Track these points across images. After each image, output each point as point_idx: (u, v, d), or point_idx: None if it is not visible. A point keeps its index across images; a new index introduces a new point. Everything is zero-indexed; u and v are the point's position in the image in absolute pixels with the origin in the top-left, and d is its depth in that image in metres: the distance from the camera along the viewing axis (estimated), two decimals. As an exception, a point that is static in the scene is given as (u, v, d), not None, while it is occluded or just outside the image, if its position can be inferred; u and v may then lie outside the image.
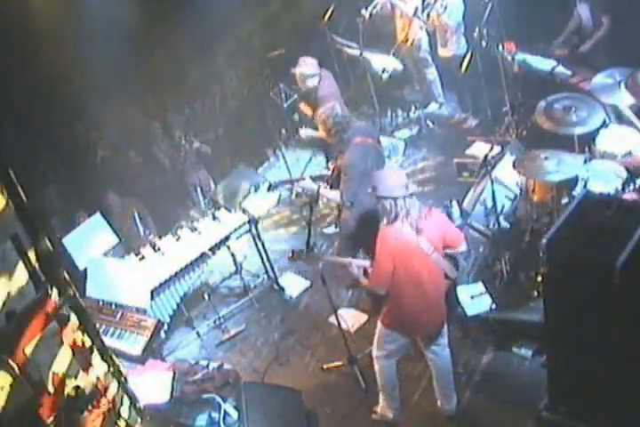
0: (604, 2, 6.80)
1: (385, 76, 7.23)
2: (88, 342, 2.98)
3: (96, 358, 3.05)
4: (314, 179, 5.82)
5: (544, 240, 3.51)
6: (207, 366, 5.19)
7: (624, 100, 5.66)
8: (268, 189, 6.09)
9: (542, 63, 6.78)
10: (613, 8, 6.75)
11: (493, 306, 5.20)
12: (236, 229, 5.89)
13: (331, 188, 5.35)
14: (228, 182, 7.26)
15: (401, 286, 4.19)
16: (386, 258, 4.12)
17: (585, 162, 5.36)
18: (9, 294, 2.49)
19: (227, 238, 5.85)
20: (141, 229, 6.27)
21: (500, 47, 6.72)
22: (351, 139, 5.18)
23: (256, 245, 6.16)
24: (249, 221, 5.94)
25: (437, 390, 4.72)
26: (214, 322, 5.96)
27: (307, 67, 6.63)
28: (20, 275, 2.57)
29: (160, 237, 5.96)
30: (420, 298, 4.23)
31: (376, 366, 4.65)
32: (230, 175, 7.43)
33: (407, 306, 4.27)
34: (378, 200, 4.15)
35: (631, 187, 5.22)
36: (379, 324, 4.49)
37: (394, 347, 4.50)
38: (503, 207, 5.77)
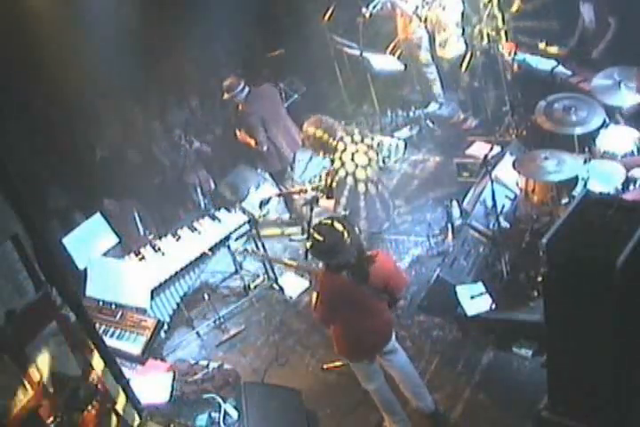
0: (610, 3, 6.78)
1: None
2: (88, 342, 2.98)
3: (96, 357, 3.05)
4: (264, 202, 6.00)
5: (544, 240, 3.50)
6: (207, 366, 5.20)
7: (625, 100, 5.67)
8: (260, 206, 6.13)
9: (542, 63, 6.77)
10: (620, 8, 6.72)
11: (493, 306, 5.20)
12: (236, 229, 5.89)
13: (327, 198, 5.33)
14: (228, 182, 7.27)
15: (347, 321, 4.26)
16: (325, 302, 4.20)
17: (585, 162, 5.36)
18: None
19: (227, 238, 5.85)
20: (141, 229, 6.27)
21: (500, 47, 6.72)
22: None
23: (256, 245, 6.16)
24: (249, 221, 5.95)
25: (407, 392, 4.72)
26: (214, 322, 5.96)
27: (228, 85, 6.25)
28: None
29: (160, 237, 5.96)
30: (368, 322, 4.28)
31: (372, 395, 4.67)
32: (230, 175, 7.44)
33: (362, 334, 4.31)
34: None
35: (631, 187, 5.22)
36: (350, 364, 4.56)
37: (371, 372, 4.52)
38: (503, 207, 5.76)
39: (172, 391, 4.78)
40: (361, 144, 5.18)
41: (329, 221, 4.05)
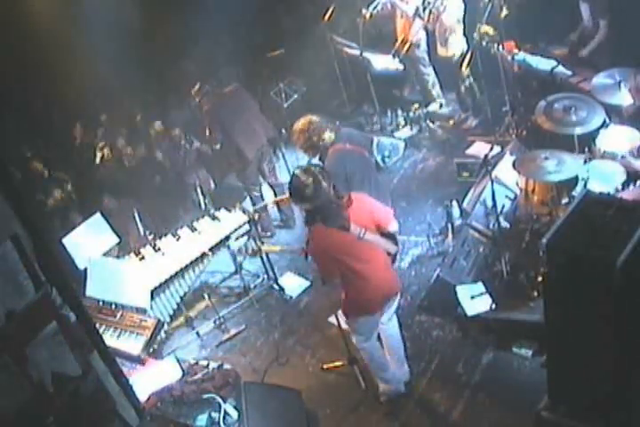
0: (602, 4, 6.80)
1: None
2: (88, 342, 2.97)
3: (96, 357, 3.05)
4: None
5: (544, 240, 3.50)
6: (207, 366, 5.19)
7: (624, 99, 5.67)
8: (255, 211, 6.17)
9: (542, 63, 6.77)
10: (614, 8, 6.74)
11: (493, 306, 5.20)
12: (236, 229, 5.89)
13: None
14: (228, 182, 7.28)
15: (349, 273, 4.31)
16: (321, 256, 4.28)
17: (585, 162, 5.36)
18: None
19: (227, 238, 5.85)
20: (141, 229, 6.27)
21: (500, 47, 6.72)
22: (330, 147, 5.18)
23: (256, 244, 6.16)
24: (249, 221, 5.95)
25: (390, 358, 4.86)
26: (214, 322, 5.96)
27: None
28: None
29: (160, 237, 5.96)
30: (370, 276, 4.34)
31: (363, 354, 4.78)
32: (230, 175, 7.44)
33: (362, 287, 4.37)
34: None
35: (631, 187, 5.22)
36: (345, 318, 4.64)
37: (369, 328, 4.61)
38: (503, 207, 5.77)
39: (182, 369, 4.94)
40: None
41: (305, 166, 4.23)
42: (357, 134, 5.54)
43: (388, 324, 4.76)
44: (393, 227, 4.43)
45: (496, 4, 6.40)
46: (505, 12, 6.55)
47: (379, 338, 4.82)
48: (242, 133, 6.45)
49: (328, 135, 5.13)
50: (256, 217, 6.05)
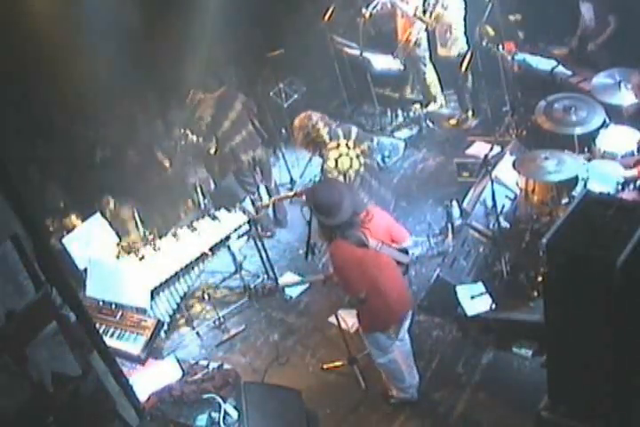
0: (609, 1, 6.79)
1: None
2: (88, 342, 2.97)
3: (96, 357, 3.05)
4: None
5: (544, 240, 3.51)
6: (207, 366, 5.20)
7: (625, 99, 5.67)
8: (257, 212, 6.21)
9: (542, 63, 6.78)
10: (619, 6, 6.73)
11: (493, 306, 5.20)
12: (236, 229, 5.89)
13: None
14: (229, 182, 7.27)
15: (371, 287, 4.29)
16: (347, 270, 4.26)
17: (585, 162, 5.36)
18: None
19: (227, 238, 5.85)
20: (141, 229, 6.27)
21: (500, 47, 6.72)
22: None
23: (256, 245, 6.17)
24: (249, 221, 5.95)
25: (403, 369, 4.81)
26: (214, 322, 5.96)
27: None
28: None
29: (160, 237, 5.96)
30: (387, 290, 4.34)
31: (381, 369, 4.73)
32: (230, 175, 7.43)
33: (380, 303, 4.35)
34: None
35: (631, 187, 5.22)
36: (363, 336, 4.61)
37: (385, 344, 4.57)
38: (503, 207, 5.76)
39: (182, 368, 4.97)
40: (352, 150, 5.20)
41: (330, 181, 4.30)
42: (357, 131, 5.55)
43: (403, 339, 4.71)
44: (407, 243, 4.48)
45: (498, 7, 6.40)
46: (516, 16, 6.57)
47: None
48: (233, 134, 6.45)
49: (327, 131, 5.13)
50: (258, 213, 6.04)
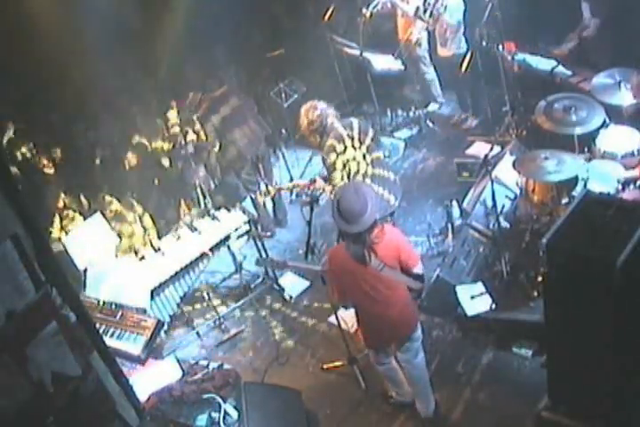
0: (600, 4, 6.80)
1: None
2: (88, 342, 2.97)
3: (96, 357, 3.05)
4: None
5: (544, 240, 3.51)
6: (207, 366, 5.19)
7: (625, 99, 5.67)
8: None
9: (542, 63, 6.77)
10: (614, 8, 6.73)
11: (493, 306, 5.20)
12: (236, 229, 5.89)
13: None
14: (229, 181, 7.27)
15: (359, 303, 4.27)
16: (333, 277, 4.25)
17: (585, 162, 5.36)
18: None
19: (227, 238, 5.85)
20: (142, 228, 6.27)
21: (500, 47, 6.72)
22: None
23: (256, 245, 6.17)
24: (249, 221, 5.95)
25: (414, 393, 4.75)
26: (214, 322, 5.96)
27: None
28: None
29: (160, 237, 5.96)
30: (382, 312, 4.21)
31: (384, 375, 4.74)
32: (230, 175, 7.43)
33: (373, 322, 4.32)
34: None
35: (631, 187, 5.22)
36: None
37: (379, 358, 4.57)
38: (503, 207, 5.77)
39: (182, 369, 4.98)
40: (358, 150, 5.22)
41: (359, 185, 4.14)
42: (362, 125, 5.56)
43: (409, 365, 4.53)
44: (418, 269, 4.19)
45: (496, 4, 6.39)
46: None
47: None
48: (237, 132, 6.46)
49: (330, 122, 5.14)
50: (263, 198, 6.17)
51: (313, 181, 5.52)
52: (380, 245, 4.02)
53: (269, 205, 6.97)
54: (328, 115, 5.21)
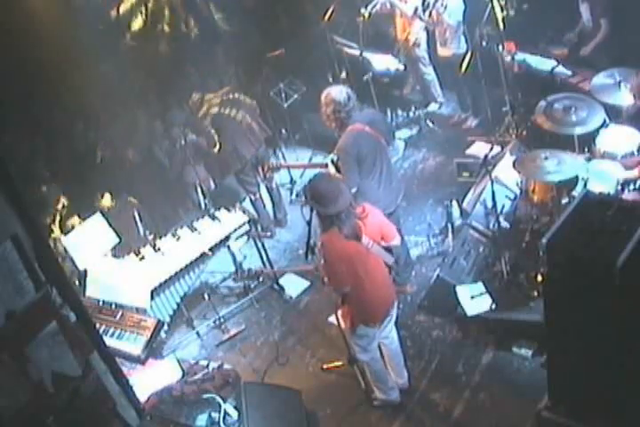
0: (602, 4, 6.80)
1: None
2: (88, 342, 2.97)
3: (96, 357, 3.05)
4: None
5: (544, 240, 3.51)
6: (207, 366, 5.20)
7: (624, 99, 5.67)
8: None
9: (542, 63, 6.77)
10: (614, 8, 6.74)
11: (493, 306, 5.20)
12: (235, 229, 5.89)
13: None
14: (229, 182, 7.27)
15: (357, 283, 4.35)
16: (336, 263, 4.30)
17: (585, 162, 5.36)
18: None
19: (227, 238, 5.85)
20: (141, 229, 6.27)
21: (500, 47, 6.71)
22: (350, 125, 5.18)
23: (256, 245, 6.17)
24: (249, 221, 5.95)
25: (393, 369, 4.91)
26: (214, 322, 5.96)
27: None
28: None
29: (160, 237, 5.96)
30: (374, 286, 4.42)
31: (364, 365, 4.81)
32: (231, 175, 7.43)
33: (368, 297, 4.43)
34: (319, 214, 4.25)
35: (631, 187, 5.22)
36: (347, 331, 4.64)
37: (368, 340, 4.62)
38: (503, 207, 5.77)
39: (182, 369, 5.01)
40: None
41: (328, 174, 4.42)
42: (380, 120, 5.61)
43: (388, 337, 4.78)
44: (396, 241, 4.56)
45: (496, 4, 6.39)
46: (505, 13, 6.55)
47: (380, 350, 4.83)
48: (237, 133, 6.46)
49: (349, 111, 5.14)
50: (266, 177, 6.29)
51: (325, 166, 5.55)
52: (365, 224, 4.27)
53: (269, 206, 6.98)
54: (348, 105, 5.16)
